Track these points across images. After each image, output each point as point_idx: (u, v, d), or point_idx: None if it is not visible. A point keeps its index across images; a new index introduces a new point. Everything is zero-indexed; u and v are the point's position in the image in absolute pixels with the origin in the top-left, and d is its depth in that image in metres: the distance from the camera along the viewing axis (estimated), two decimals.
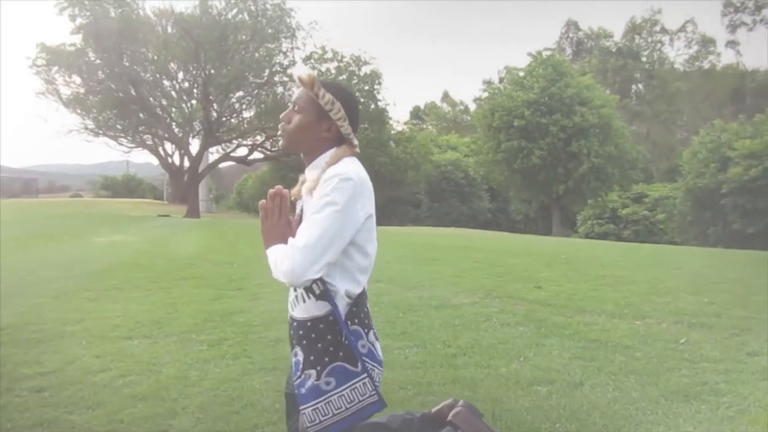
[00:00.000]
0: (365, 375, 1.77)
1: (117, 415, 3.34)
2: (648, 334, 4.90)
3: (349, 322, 1.78)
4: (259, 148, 31.29)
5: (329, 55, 28.07)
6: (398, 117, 62.18)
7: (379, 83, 27.83)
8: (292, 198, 1.86)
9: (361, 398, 1.77)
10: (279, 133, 1.88)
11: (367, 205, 1.74)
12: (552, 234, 27.82)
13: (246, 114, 30.76)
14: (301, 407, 1.80)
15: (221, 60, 26.23)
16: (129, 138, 31.15)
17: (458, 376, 3.97)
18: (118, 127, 29.72)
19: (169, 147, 33.95)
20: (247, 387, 3.78)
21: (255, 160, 32.64)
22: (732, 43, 46.65)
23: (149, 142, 32.56)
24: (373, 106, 27.20)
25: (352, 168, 1.74)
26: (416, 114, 53.62)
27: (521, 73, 28.66)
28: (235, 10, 26.45)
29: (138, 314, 5.69)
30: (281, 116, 1.88)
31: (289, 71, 28.43)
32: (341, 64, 27.99)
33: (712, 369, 4.01)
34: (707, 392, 3.61)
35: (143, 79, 27.49)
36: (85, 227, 15.66)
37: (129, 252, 10.50)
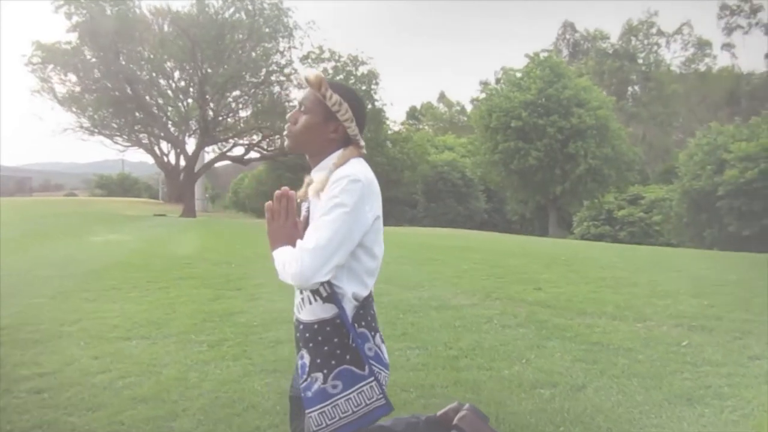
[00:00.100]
0: (372, 378, 1.76)
1: (117, 417, 3.30)
2: (649, 336, 4.88)
3: (356, 325, 1.77)
4: (256, 148, 31.25)
5: (326, 54, 28.07)
6: (395, 117, 62.23)
7: (376, 83, 27.86)
8: (298, 199, 1.84)
9: (368, 402, 1.76)
10: (285, 133, 1.86)
11: (375, 206, 1.73)
12: (548, 235, 27.85)
13: (242, 113, 30.75)
14: (307, 411, 1.78)
15: (218, 59, 26.16)
16: (125, 137, 31.10)
17: (460, 378, 3.95)
18: (114, 125, 29.66)
19: (164, 146, 33.96)
20: (248, 389, 3.75)
21: (251, 160, 32.59)
22: (727, 46, 46.96)
23: (145, 141, 32.50)
24: (370, 106, 27.17)
25: (360, 169, 1.72)
26: (412, 114, 53.65)
27: (518, 74, 28.70)
28: (232, 9, 26.41)
29: (136, 314, 5.65)
30: (287, 117, 1.86)
31: (286, 71, 28.42)
32: (338, 64, 27.95)
33: (714, 372, 3.99)
34: (711, 396, 3.59)
35: (139, 77, 27.42)
36: (80, 226, 15.57)
37: (125, 251, 10.44)
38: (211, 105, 28.01)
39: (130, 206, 30.31)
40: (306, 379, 1.77)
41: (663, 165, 38.80)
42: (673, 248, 17.65)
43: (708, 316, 5.47)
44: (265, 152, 31.70)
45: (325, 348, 1.73)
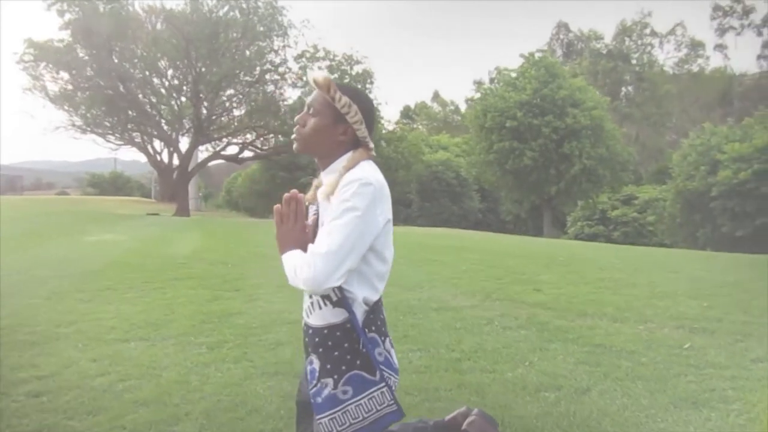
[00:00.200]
0: (383, 384, 1.75)
1: (119, 421, 3.25)
2: (651, 339, 4.88)
3: (366, 330, 1.75)
4: (250, 147, 31.12)
5: (321, 53, 27.95)
6: (389, 116, 62.19)
7: (371, 82, 27.76)
8: (306, 202, 1.83)
9: (378, 407, 1.74)
10: (294, 136, 1.84)
11: (386, 209, 1.71)
12: (543, 235, 27.91)
13: (236, 112, 30.61)
14: (317, 417, 1.76)
15: (212, 58, 26.01)
16: (117, 135, 30.85)
17: (464, 381, 3.92)
18: (107, 124, 29.42)
19: (157, 145, 33.73)
20: (250, 392, 3.71)
21: (245, 159, 32.46)
22: (720, 47, 47.23)
23: (138, 140, 32.27)
24: None
25: (370, 172, 1.70)
26: (406, 113, 53.64)
27: (513, 74, 28.72)
28: (226, 8, 26.25)
29: (133, 316, 5.59)
30: (295, 119, 1.84)
31: (280, 69, 28.31)
32: (333, 63, 27.85)
33: (718, 375, 3.99)
34: (716, 399, 3.58)
35: (132, 76, 27.21)
36: (73, 226, 15.44)
37: (120, 251, 10.35)
38: (205, 104, 27.87)
39: (123, 205, 30.14)
40: (316, 385, 1.75)
41: (656, 165, 38.99)
42: (669, 249, 17.72)
43: (708, 318, 5.47)
44: (259, 151, 31.57)
45: (335, 353, 1.71)
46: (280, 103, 29.07)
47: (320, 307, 1.74)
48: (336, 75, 27.52)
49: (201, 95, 27.14)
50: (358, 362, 1.71)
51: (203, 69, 26.57)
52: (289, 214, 1.73)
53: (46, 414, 3.32)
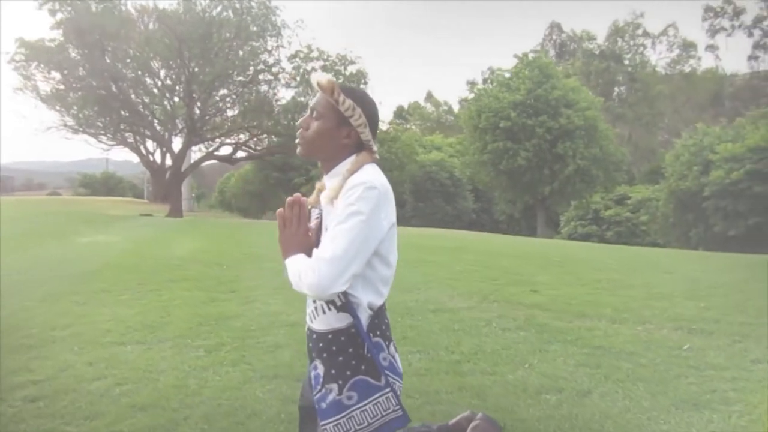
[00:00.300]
0: (388, 389, 1.73)
1: (117, 426, 3.21)
2: (650, 340, 4.88)
3: (371, 334, 1.73)
4: (243, 147, 31.02)
5: (315, 54, 27.86)
6: (382, 117, 62.03)
7: (365, 83, 27.70)
8: (309, 206, 1.81)
9: (384, 413, 1.72)
10: (297, 140, 1.81)
11: (390, 213, 1.69)
12: (537, 235, 27.96)
13: (230, 112, 30.49)
14: (322, 423, 1.74)
15: (205, 58, 25.89)
16: (110, 135, 30.70)
17: (465, 383, 3.90)
18: (99, 124, 29.27)
19: (150, 145, 33.58)
20: (249, 396, 3.68)
21: (239, 159, 32.35)
22: (711, 48, 47.52)
23: (130, 140, 32.12)
24: None
25: (375, 176, 1.68)
26: (400, 114, 53.64)
27: (507, 75, 28.76)
28: (219, 7, 26.15)
29: (129, 318, 5.54)
30: (299, 123, 1.82)
31: (273, 70, 28.22)
32: (327, 63, 27.76)
33: (718, 377, 3.99)
34: (717, 401, 3.58)
35: (125, 75, 27.06)
36: (66, 227, 15.34)
37: (114, 253, 10.28)
38: (198, 104, 27.75)
39: (115, 206, 29.96)
40: (320, 390, 1.73)
41: (649, 165, 39.17)
42: (663, 249, 17.80)
43: (706, 319, 5.48)
44: (252, 151, 31.47)
45: (340, 358, 1.70)
46: (274, 103, 28.98)
47: (324, 312, 1.72)
48: (330, 75, 27.45)
49: (194, 95, 27.01)
50: (362, 367, 1.69)
51: (196, 69, 26.46)
52: (292, 218, 1.71)
53: (43, 419, 3.28)
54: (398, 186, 30.92)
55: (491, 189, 30.49)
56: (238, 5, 26.31)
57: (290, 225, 1.71)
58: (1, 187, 46.52)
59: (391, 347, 1.79)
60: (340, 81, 27.84)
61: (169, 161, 31.30)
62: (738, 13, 45.06)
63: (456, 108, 52.59)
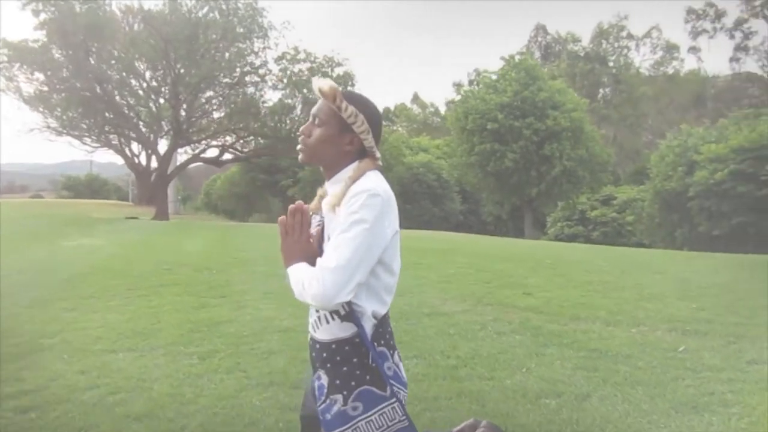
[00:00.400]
0: (394, 399, 1.71)
1: None
2: (645, 342, 4.89)
3: (375, 344, 1.70)
4: (230, 149, 30.83)
5: (302, 55, 27.76)
6: None
7: (352, 85, 27.63)
8: (310, 212, 1.78)
9: (390, 423, 1.69)
10: (299, 147, 1.79)
11: (394, 221, 1.67)
12: (524, 236, 28.08)
13: (216, 114, 30.29)
14: None
15: (191, 59, 25.68)
16: (94, 137, 30.37)
17: (463, 389, 3.88)
18: (83, 126, 28.95)
19: (135, 147, 33.26)
20: (246, 404, 3.62)
21: (225, 161, 32.15)
22: (694, 50, 48.11)
23: (115, 142, 31.80)
24: None
25: (378, 183, 1.65)
26: (386, 115, 53.59)
27: (494, 77, 28.86)
28: (205, 9, 25.96)
29: (119, 325, 5.45)
30: (300, 130, 1.79)
31: (260, 71, 28.08)
32: (314, 65, 27.69)
33: (715, 378, 4.00)
34: (716, 403, 3.59)
35: (110, 77, 26.76)
36: (50, 230, 15.14)
37: (101, 257, 10.15)
38: (184, 106, 27.52)
39: (100, 208, 29.64)
40: (324, 401, 1.70)
41: (633, 166, 39.53)
42: (653, 249, 17.95)
43: (700, 320, 5.51)
44: (239, 153, 31.30)
45: (344, 368, 1.67)
46: (260, 105, 28.84)
47: (328, 322, 1.69)
48: (317, 77, 27.37)
49: (180, 97, 26.79)
50: (367, 377, 1.67)
51: (182, 70, 26.24)
52: (294, 226, 1.68)
53: (35, 431, 3.20)
54: None
55: (479, 191, 30.56)
56: (224, 6, 26.15)
57: (292, 233, 1.68)
58: None
59: (396, 356, 1.77)
60: None
61: (154, 163, 31.01)
62: (719, 15, 45.73)
63: (442, 109, 52.76)
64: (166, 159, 28.18)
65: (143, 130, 29.43)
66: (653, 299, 6.55)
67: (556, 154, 26.03)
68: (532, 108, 26.27)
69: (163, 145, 29.74)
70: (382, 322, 1.73)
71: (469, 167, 28.13)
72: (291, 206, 1.69)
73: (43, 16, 25.00)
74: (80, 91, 25.97)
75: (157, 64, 26.76)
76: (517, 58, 29.89)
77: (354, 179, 1.66)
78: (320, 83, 1.72)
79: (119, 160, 34.98)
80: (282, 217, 1.69)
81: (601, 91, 45.56)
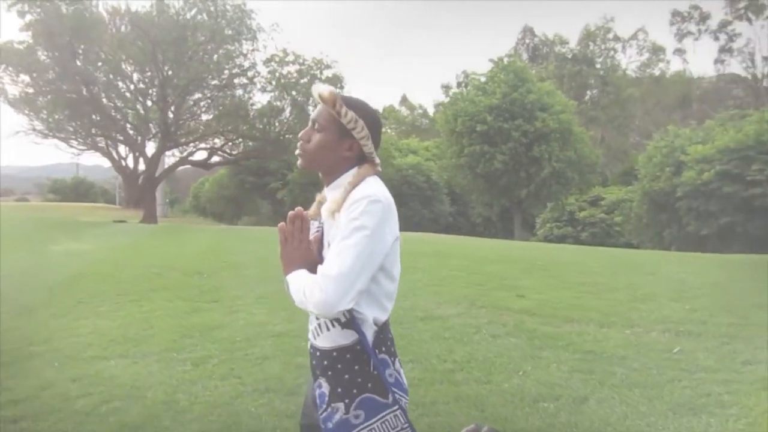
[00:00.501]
0: (397, 407, 1.71)
1: None
2: (640, 343, 4.90)
3: (376, 351, 1.69)
4: (218, 152, 30.68)
5: (291, 57, 27.67)
6: None
7: (341, 87, 27.60)
8: (308, 218, 1.76)
9: (392, 431, 1.68)
10: (298, 152, 1.77)
11: (394, 227, 1.66)
12: (514, 237, 28.16)
13: (204, 117, 30.11)
14: None
15: (179, 61, 25.51)
16: (80, 140, 30.11)
17: (461, 393, 3.86)
18: (69, 128, 28.67)
19: (122, 150, 33.00)
20: (242, 411, 3.58)
21: (214, 164, 31.97)
22: (679, 51, 48.56)
23: (101, 145, 31.53)
24: None
25: (378, 189, 1.65)
26: None
27: (483, 79, 28.93)
28: (194, 11, 25.81)
29: (110, 331, 5.38)
30: (300, 135, 1.78)
31: (249, 73, 27.96)
32: (303, 67, 27.62)
33: (711, 379, 4.01)
34: (713, 404, 3.60)
35: (97, 79, 26.51)
36: (36, 234, 14.97)
37: (89, 261, 10.03)
38: (172, 108, 27.34)
39: (87, 212, 29.38)
40: (326, 410, 1.69)
41: (621, 166, 39.79)
42: (644, 250, 18.08)
43: (693, 321, 5.53)
44: (228, 156, 31.14)
45: (346, 376, 1.66)
46: (249, 107, 28.71)
47: (328, 329, 1.68)
48: (306, 79, 27.30)
49: (168, 99, 26.61)
50: (369, 385, 1.66)
51: (170, 72, 26.06)
52: (294, 232, 1.66)
53: None
54: None
55: (468, 192, 30.61)
56: (212, 8, 26.01)
57: (292, 239, 1.67)
58: None
59: (396, 363, 1.76)
60: None
61: (142, 166, 30.80)
62: (704, 17, 46.18)
63: (431, 111, 52.81)
64: (154, 162, 27.97)
65: (131, 132, 29.20)
66: (646, 300, 6.57)
67: (545, 155, 26.13)
68: (521, 110, 26.36)
69: (150, 148, 29.60)
70: (383, 329, 1.72)
71: (459, 169, 28.17)
72: (290, 213, 1.67)
73: (28, 17, 24.73)
74: (66, 93, 25.71)
75: (144, 66, 26.54)
76: (505, 60, 30.00)
77: (354, 185, 1.64)
78: (320, 88, 1.71)
79: (106, 163, 34.71)
80: (281, 224, 1.67)
81: (588, 92, 45.79)
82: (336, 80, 27.37)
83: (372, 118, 1.73)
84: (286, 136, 28.67)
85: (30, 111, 26.69)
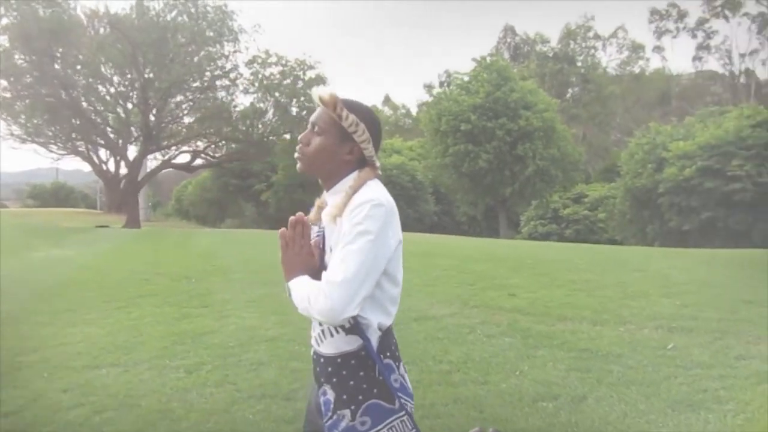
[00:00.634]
0: (403, 412, 1.70)
1: None
2: (633, 340, 4.92)
3: (381, 356, 1.67)
4: (201, 155, 30.44)
5: (273, 59, 27.52)
6: None
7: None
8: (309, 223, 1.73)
9: None
10: (296, 156, 1.73)
11: (397, 231, 1.64)
12: (499, 236, 28.27)
13: (186, 119, 29.84)
14: None
15: (160, 63, 25.24)
16: (60, 144, 29.71)
17: (459, 395, 3.84)
18: (49, 133, 28.28)
19: (103, 154, 32.61)
20: (239, 419, 3.53)
21: (197, 167, 31.71)
22: (658, 49, 49.21)
23: (82, 149, 31.14)
24: None
25: (380, 192, 1.62)
26: None
27: (466, 78, 29.00)
28: (174, 12, 25.55)
29: (99, 339, 5.29)
30: (299, 138, 1.74)
31: (231, 75, 27.76)
32: (286, 68, 27.48)
33: (706, 375, 4.04)
34: (710, 400, 3.61)
35: (76, 82, 26.14)
36: (17, 241, 14.66)
37: (74, 268, 9.88)
38: (154, 111, 27.05)
39: (69, 217, 28.98)
40: (331, 417, 1.66)
41: (603, 163, 40.17)
42: (630, 247, 18.21)
43: (684, 317, 5.57)
44: (211, 159, 30.89)
45: (351, 383, 1.64)
46: (232, 109, 28.52)
47: (332, 335, 1.66)
48: (289, 80, 27.18)
49: (149, 102, 26.32)
50: (375, 391, 1.64)
51: (151, 75, 25.78)
52: (295, 238, 1.64)
53: None
54: None
55: (453, 192, 30.68)
56: (193, 10, 25.77)
57: (293, 245, 1.64)
58: None
59: (401, 367, 1.75)
60: (299, 86, 27.60)
61: (123, 170, 30.44)
62: (682, 15, 46.89)
63: (414, 111, 52.89)
64: (136, 165, 27.66)
65: (111, 136, 28.85)
66: (637, 297, 6.61)
67: (529, 153, 26.28)
68: (505, 109, 26.47)
69: (132, 152, 29.26)
70: (387, 334, 1.71)
71: (444, 168, 28.22)
72: (291, 218, 1.65)
73: (5, 20, 24.36)
74: (45, 97, 25.32)
75: (124, 68, 26.24)
76: (488, 59, 30.11)
77: (355, 189, 1.62)
78: (320, 91, 1.69)
79: (86, 168, 34.36)
80: (282, 230, 1.65)
81: (569, 90, 46.16)
82: (319, 80, 27.30)
83: (372, 121, 1.71)
84: (270, 137, 28.52)
85: (8, 116, 26.28)
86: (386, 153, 36.07)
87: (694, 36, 46.84)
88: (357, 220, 1.53)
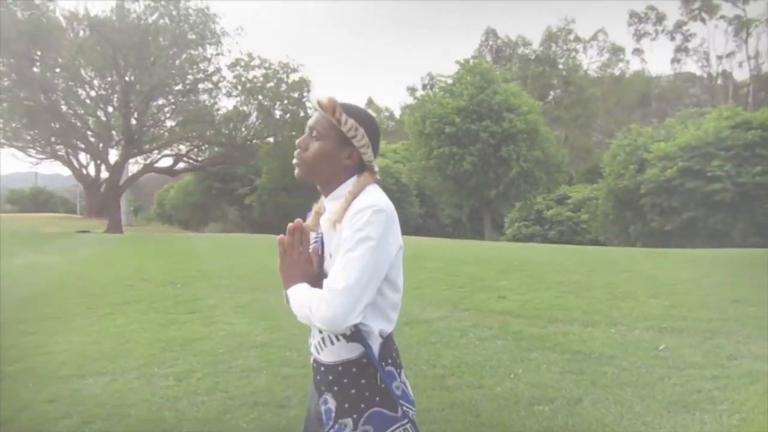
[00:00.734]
0: (406, 420, 1.69)
1: None
2: (625, 342, 4.93)
3: (383, 363, 1.65)
4: (184, 159, 30.15)
5: (256, 62, 27.35)
6: None
7: (308, 90, 27.39)
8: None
9: None
10: (295, 161, 1.71)
11: (398, 236, 1.62)
12: (484, 238, 28.38)
13: (168, 123, 29.57)
14: None
15: (141, 67, 24.97)
16: (39, 149, 29.25)
17: (454, 399, 3.81)
18: (27, 137, 27.82)
19: (83, 158, 32.16)
20: (232, 427, 3.47)
21: (180, 171, 31.41)
22: (637, 51, 49.84)
23: (61, 153, 30.70)
24: (302, 113, 26.72)
25: (380, 198, 1.60)
26: None
27: (450, 81, 29.09)
28: (156, 15, 25.29)
29: (85, 347, 5.18)
30: (297, 142, 1.72)
31: (214, 78, 27.56)
32: (269, 71, 27.33)
33: (699, 376, 4.05)
34: (704, 401, 3.63)
35: (56, 86, 25.75)
36: None
37: (56, 274, 9.70)
38: (135, 114, 26.74)
39: (49, 222, 28.49)
40: (333, 426, 1.63)
41: (585, 165, 40.56)
42: (616, 248, 18.34)
43: (674, 317, 5.61)
44: (194, 162, 30.62)
45: (353, 391, 1.62)
46: (214, 112, 28.29)
47: (332, 343, 1.63)
48: (272, 83, 27.03)
49: (130, 105, 26.01)
50: (377, 399, 1.62)
51: (132, 78, 25.49)
52: (293, 245, 1.61)
53: None
54: None
55: (438, 194, 30.75)
56: (174, 12, 25.54)
57: (291, 252, 1.61)
58: None
59: (402, 374, 1.74)
60: (283, 89, 27.46)
61: (104, 174, 30.08)
62: (660, 18, 47.57)
63: (397, 114, 52.97)
64: (117, 170, 27.32)
65: (92, 140, 28.47)
66: (626, 298, 6.64)
67: (513, 155, 26.42)
68: (489, 111, 26.59)
69: (113, 156, 28.91)
70: (389, 341, 1.69)
71: (428, 171, 28.26)
72: (290, 225, 1.62)
73: None
74: (24, 100, 24.92)
75: (105, 71, 25.91)
76: (471, 62, 30.23)
77: (355, 194, 1.60)
78: (319, 96, 1.66)
79: (65, 172, 33.86)
80: (281, 236, 1.62)
81: (551, 92, 46.57)
82: (302, 83, 27.18)
83: (371, 126, 1.69)
84: (253, 141, 28.35)
85: None
86: None
87: (673, 38, 47.58)
88: (358, 226, 1.51)
